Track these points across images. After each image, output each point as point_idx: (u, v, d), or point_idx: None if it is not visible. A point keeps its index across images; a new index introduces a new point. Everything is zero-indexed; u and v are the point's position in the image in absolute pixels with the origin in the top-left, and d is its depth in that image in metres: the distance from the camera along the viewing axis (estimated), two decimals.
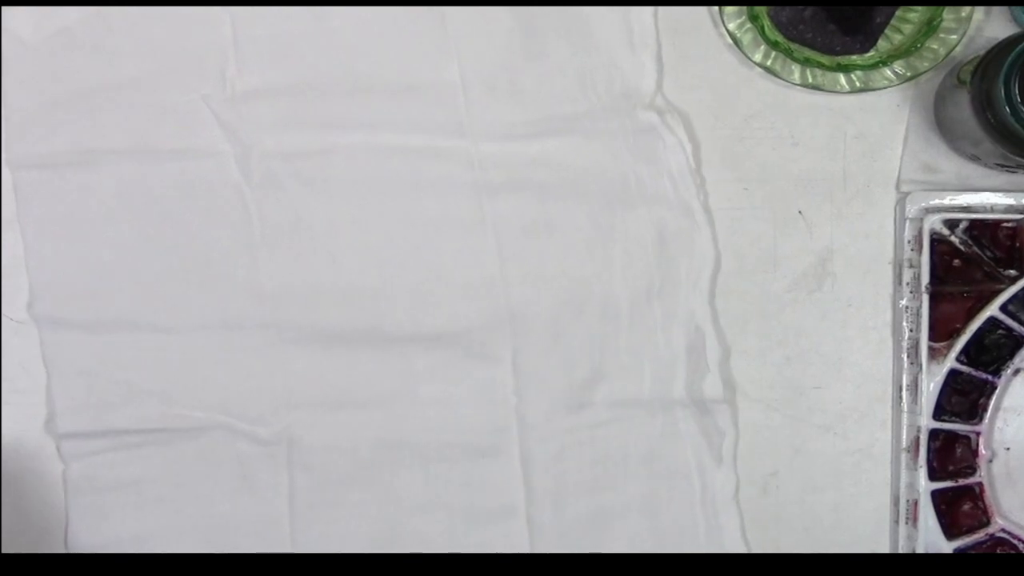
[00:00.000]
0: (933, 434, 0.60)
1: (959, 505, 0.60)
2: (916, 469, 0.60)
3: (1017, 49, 0.53)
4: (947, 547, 0.60)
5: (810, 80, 0.60)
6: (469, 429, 0.62)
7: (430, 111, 0.61)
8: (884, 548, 0.62)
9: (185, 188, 0.61)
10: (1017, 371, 0.60)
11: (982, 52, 0.55)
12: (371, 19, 0.61)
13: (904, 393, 0.61)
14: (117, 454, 0.62)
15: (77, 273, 0.62)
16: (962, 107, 0.56)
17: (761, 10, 0.60)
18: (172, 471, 0.62)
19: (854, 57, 0.61)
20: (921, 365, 0.60)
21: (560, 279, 0.61)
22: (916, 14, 0.61)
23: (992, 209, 0.60)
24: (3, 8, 0.61)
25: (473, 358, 0.61)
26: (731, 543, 0.61)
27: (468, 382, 0.62)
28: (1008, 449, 0.61)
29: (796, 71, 0.61)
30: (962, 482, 0.60)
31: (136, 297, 0.62)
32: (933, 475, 0.60)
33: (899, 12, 0.61)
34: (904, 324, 0.61)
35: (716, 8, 0.61)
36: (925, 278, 0.60)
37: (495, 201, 0.61)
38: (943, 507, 0.60)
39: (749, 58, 0.61)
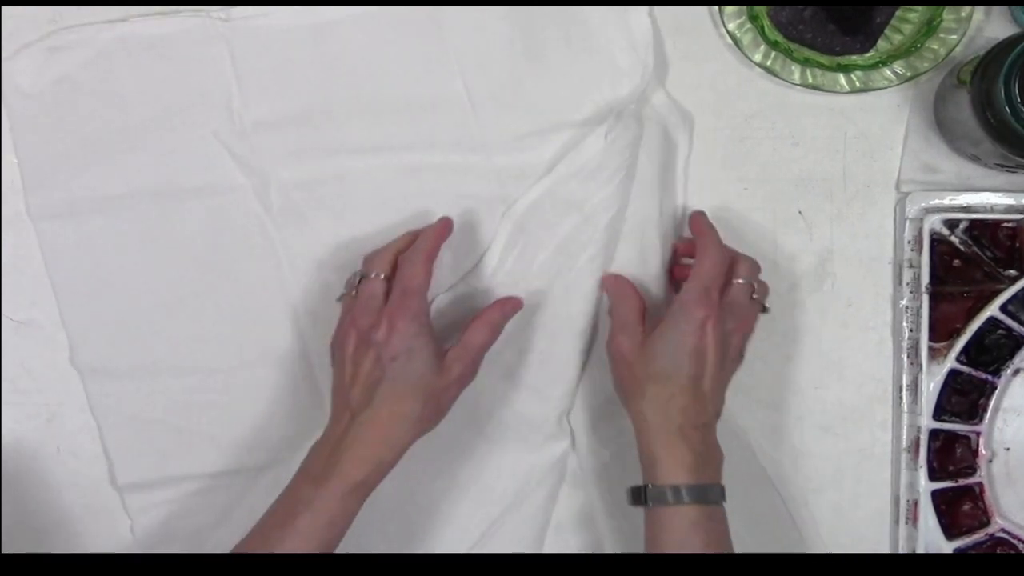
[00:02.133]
0: (933, 434, 0.60)
1: (959, 505, 0.60)
2: (916, 469, 0.60)
3: (1017, 49, 0.53)
4: (947, 547, 0.60)
5: (810, 80, 0.60)
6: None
7: (440, 127, 0.60)
8: (884, 548, 0.62)
9: (208, 225, 0.61)
10: (1017, 371, 0.60)
11: (982, 52, 0.55)
12: (368, 40, 0.60)
13: (904, 393, 0.61)
14: (181, 504, 0.61)
15: (113, 321, 0.61)
16: (962, 107, 0.56)
17: (761, 10, 0.60)
18: (239, 514, 0.60)
19: (854, 57, 0.61)
20: (921, 365, 0.60)
21: (593, 286, 0.60)
22: (916, 14, 0.61)
23: (992, 209, 0.60)
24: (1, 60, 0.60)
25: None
26: None
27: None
28: (1008, 449, 0.60)
29: (796, 71, 0.61)
30: (962, 482, 0.60)
31: (174, 340, 0.61)
32: (933, 475, 0.60)
33: (899, 12, 0.61)
34: (904, 324, 0.61)
35: (716, 8, 0.61)
36: (925, 278, 0.60)
37: (518, 210, 0.60)
38: (943, 507, 0.60)
39: (749, 58, 0.61)
